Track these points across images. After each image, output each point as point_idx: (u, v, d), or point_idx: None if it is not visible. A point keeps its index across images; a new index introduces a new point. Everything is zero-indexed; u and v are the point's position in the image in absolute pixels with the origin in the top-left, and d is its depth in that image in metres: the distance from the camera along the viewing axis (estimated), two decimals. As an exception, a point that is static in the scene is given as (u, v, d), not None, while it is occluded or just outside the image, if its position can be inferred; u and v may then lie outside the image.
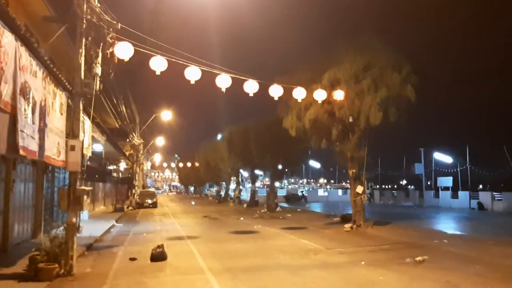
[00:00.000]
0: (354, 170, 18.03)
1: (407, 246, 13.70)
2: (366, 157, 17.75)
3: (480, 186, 52.93)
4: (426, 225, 20.64)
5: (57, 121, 9.57)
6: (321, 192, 60.20)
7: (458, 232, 18.27)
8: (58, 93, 9.63)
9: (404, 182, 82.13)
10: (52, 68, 8.81)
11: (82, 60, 10.35)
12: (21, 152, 6.81)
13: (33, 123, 7.60)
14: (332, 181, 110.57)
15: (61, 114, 10.00)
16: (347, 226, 17.77)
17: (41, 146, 8.13)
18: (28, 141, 7.25)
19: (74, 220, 10.17)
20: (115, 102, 25.71)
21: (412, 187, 64.19)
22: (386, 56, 16.70)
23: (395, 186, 76.61)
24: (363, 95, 16.69)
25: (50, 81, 8.81)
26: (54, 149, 9.40)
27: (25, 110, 6.98)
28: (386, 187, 69.91)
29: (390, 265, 10.49)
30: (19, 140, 6.72)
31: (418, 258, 10.91)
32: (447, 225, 21.40)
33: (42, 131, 8.18)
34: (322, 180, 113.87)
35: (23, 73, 6.91)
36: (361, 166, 18.12)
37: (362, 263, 10.82)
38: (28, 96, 7.19)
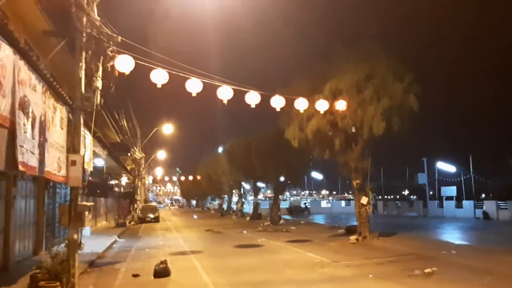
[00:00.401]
0: (358, 181, 17.83)
1: (415, 257, 13.45)
2: (370, 168, 17.57)
3: (483, 195, 52.58)
4: (432, 236, 20.36)
5: (57, 136, 9.42)
6: (324, 204, 59.80)
7: (466, 243, 18.01)
8: (59, 107, 9.50)
9: (406, 192, 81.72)
10: (52, 82, 8.68)
11: (82, 74, 10.23)
12: (21, 167, 6.64)
13: (33, 138, 7.45)
14: (335, 192, 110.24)
15: (62, 128, 9.86)
16: (353, 238, 17.51)
17: (41, 161, 7.97)
18: (27, 157, 7.08)
19: (75, 236, 9.96)
20: (116, 116, 25.63)
21: (415, 197, 63.79)
22: (387, 64, 16.61)
23: (397, 197, 76.14)
24: (366, 105, 16.57)
25: (50, 96, 8.69)
26: (55, 164, 9.23)
27: (24, 125, 6.82)
28: (389, 197, 69.42)
29: (399, 277, 10.26)
30: (18, 155, 6.55)
31: (427, 270, 10.67)
32: (454, 236, 21.12)
33: (42, 146, 8.02)
34: (324, 192, 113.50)
35: (22, 87, 6.78)
36: (365, 176, 17.94)
37: (370, 276, 10.59)
38: (27, 110, 7.05)
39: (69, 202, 10.03)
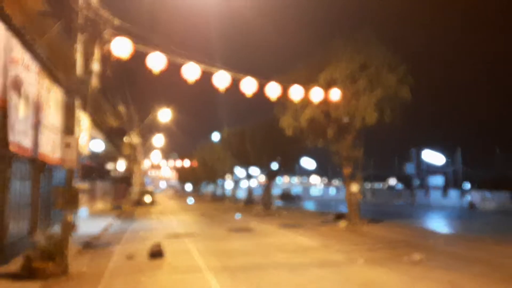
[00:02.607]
0: (349, 169, 18.04)
1: (404, 244, 13.70)
2: (361, 157, 17.76)
3: (469, 186, 53.11)
4: (420, 224, 20.73)
5: (52, 117, 9.50)
6: (315, 191, 60.30)
7: (453, 231, 18.33)
8: (54, 89, 9.55)
9: (393, 182, 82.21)
10: (46, 62, 8.73)
11: (78, 56, 10.27)
12: (13, 148, 6.75)
13: (26, 119, 7.54)
14: (325, 179, 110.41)
15: (57, 110, 9.93)
16: (343, 224, 17.82)
17: (35, 142, 8.07)
18: (20, 137, 7.19)
19: (69, 218, 10.09)
20: (113, 100, 25.60)
21: (400, 186, 64.29)
22: (382, 55, 16.70)
23: (385, 185, 76.58)
24: (359, 95, 16.69)
25: (44, 76, 8.74)
26: (50, 146, 9.34)
27: (17, 104, 6.91)
28: (377, 186, 69.86)
29: (389, 263, 10.44)
30: (11, 135, 6.65)
31: (416, 257, 10.87)
32: (441, 224, 21.49)
33: (36, 127, 8.12)
34: (315, 179, 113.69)
35: (15, 66, 6.85)
36: (356, 165, 18.15)
37: (361, 261, 10.78)
38: (20, 90, 7.13)
39: (64, 184, 10.15)
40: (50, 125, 9.34)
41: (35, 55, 8.12)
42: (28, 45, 7.60)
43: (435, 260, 10.89)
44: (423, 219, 24.27)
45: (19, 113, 7.08)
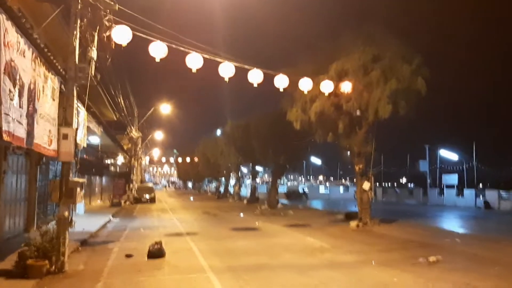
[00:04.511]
0: (360, 166, 17.36)
1: (418, 245, 13.06)
2: (373, 152, 17.11)
3: (482, 185, 52.30)
4: (434, 224, 20.06)
5: (48, 107, 8.87)
6: (322, 189, 59.50)
7: (469, 231, 17.69)
8: (50, 77, 8.92)
9: (404, 180, 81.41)
10: (43, 48, 8.09)
11: (77, 43, 9.65)
12: (6, 137, 6.11)
13: (20, 107, 6.90)
14: (332, 178, 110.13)
15: (53, 100, 9.30)
16: (353, 223, 17.12)
17: (30, 132, 7.43)
18: (14, 126, 6.55)
19: (66, 213, 9.53)
20: (113, 93, 25.00)
21: (412, 184, 63.47)
22: (396, 46, 16.02)
23: (395, 184, 75.76)
24: (372, 87, 16.00)
25: (40, 63, 8.11)
26: (45, 137, 8.71)
27: (10, 91, 6.27)
28: (387, 184, 69.16)
29: (402, 265, 9.87)
30: (3, 124, 6.02)
31: (431, 258, 10.29)
32: (456, 224, 20.85)
33: (31, 116, 7.48)
34: (321, 177, 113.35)
35: (9, 50, 6.21)
36: (368, 161, 17.47)
37: (373, 263, 10.21)
38: (14, 76, 6.49)
39: (60, 177, 9.57)
40: (46, 115, 8.73)
41: (31, 41, 7.46)
42: (23, 29, 6.94)
43: (451, 261, 10.32)
44: (437, 218, 23.57)
45: (14, 100, 6.43)
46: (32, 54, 7.49)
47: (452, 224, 20.79)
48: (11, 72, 6.25)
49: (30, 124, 7.41)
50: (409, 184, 70.97)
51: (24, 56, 6.94)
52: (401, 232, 15.84)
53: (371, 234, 15.58)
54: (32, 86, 7.49)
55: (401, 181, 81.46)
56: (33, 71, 7.55)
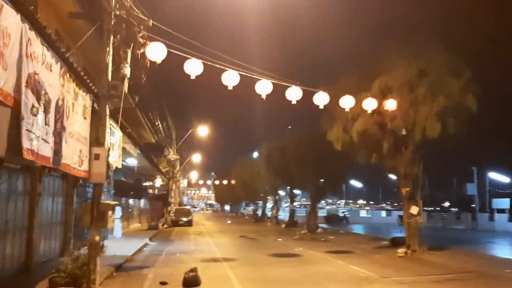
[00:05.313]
0: (407, 189, 16.17)
1: (475, 276, 11.81)
2: (421, 174, 15.96)
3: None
4: (489, 251, 18.46)
5: (79, 125, 8.51)
6: (363, 213, 57.46)
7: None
8: (81, 94, 8.58)
9: (447, 204, 77.76)
10: (72, 63, 7.77)
11: (110, 59, 9.40)
12: (27, 155, 5.68)
13: (47, 124, 6.50)
14: (372, 202, 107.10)
15: (85, 118, 8.95)
16: (401, 251, 15.86)
17: (57, 151, 7.02)
18: (38, 144, 6.13)
19: (97, 238, 9.09)
20: (151, 115, 25.02)
21: (456, 209, 60.22)
22: (443, 60, 15.00)
23: (437, 208, 72.12)
24: (418, 104, 15.00)
25: (70, 79, 7.76)
26: (75, 157, 8.32)
27: (33, 106, 5.87)
28: (431, 208, 66.02)
29: (463, 299, 8.76)
30: (24, 141, 5.59)
31: (496, 292, 9.11)
32: (513, 251, 19.12)
33: (58, 134, 7.08)
34: (361, 201, 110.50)
35: (32, 62, 5.84)
36: (415, 184, 16.30)
37: (429, 296, 9.12)
38: (39, 90, 6.11)
39: (92, 200, 9.17)
40: (77, 134, 8.35)
41: (59, 54, 7.13)
42: (49, 41, 6.59)
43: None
44: (490, 245, 21.83)
45: (38, 116, 6.02)
46: (61, 69, 7.15)
47: (509, 252, 19.06)
48: (34, 85, 5.87)
49: (57, 143, 7.00)
50: (451, 208, 67.52)
51: (50, 70, 6.59)
52: (454, 260, 14.50)
53: (421, 263, 14.33)
54: (60, 103, 7.12)
55: (443, 206, 77.75)
56: (62, 86, 7.19)
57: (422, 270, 12.74)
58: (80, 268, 9.14)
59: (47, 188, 12.97)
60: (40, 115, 6.21)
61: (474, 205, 40.92)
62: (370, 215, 54.64)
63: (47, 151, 6.57)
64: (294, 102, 12.36)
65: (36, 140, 6.03)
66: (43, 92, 6.28)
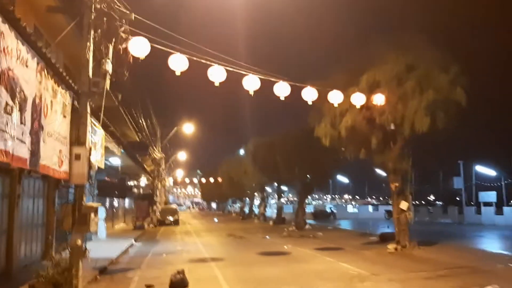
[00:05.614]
0: (397, 184, 16.05)
1: (468, 271, 11.69)
2: (410, 169, 15.85)
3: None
4: (479, 245, 18.47)
5: (58, 124, 8.10)
6: (350, 209, 57.65)
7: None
8: (60, 91, 8.17)
9: (432, 198, 78.51)
10: (50, 58, 7.34)
11: (90, 55, 8.97)
12: (1, 157, 5.29)
13: (22, 123, 6.10)
14: (358, 197, 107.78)
15: (64, 117, 8.54)
16: (391, 246, 15.75)
17: (34, 152, 6.62)
18: (13, 145, 5.74)
19: (79, 242, 8.69)
20: (135, 113, 24.49)
21: (440, 203, 60.73)
22: (431, 55, 14.86)
23: (423, 202, 72.76)
24: (407, 99, 14.84)
25: (48, 76, 7.35)
26: (55, 157, 7.91)
27: (7, 104, 5.47)
28: (417, 203, 66.50)
29: (456, 297, 8.60)
30: (-2, 141, 5.19)
31: (488, 288, 8.98)
32: (503, 246, 19.17)
33: (36, 134, 6.68)
34: (347, 196, 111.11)
35: (6, 57, 5.44)
36: (404, 179, 16.19)
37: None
38: (13, 88, 5.71)
39: (73, 202, 8.77)
40: (56, 133, 7.95)
41: (36, 49, 6.70)
42: (24, 35, 6.17)
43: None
44: (479, 239, 21.91)
45: (12, 115, 5.62)
46: (38, 64, 6.73)
47: (499, 245, 19.14)
48: (8, 82, 5.46)
49: (35, 143, 6.60)
50: (437, 202, 68.09)
51: (26, 66, 6.18)
52: (445, 256, 14.43)
53: (412, 259, 14.21)
54: (37, 101, 6.72)
55: (429, 199, 78.45)
56: (39, 83, 6.78)
57: (413, 266, 12.61)
58: (62, 274, 8.77)
59: (27, 190, 12.50)
60: (15, 114, 5.81)
61: (459, 199, 41.25)
62: (357, 210, 54.83)
63: (23, 152, 6.18)
64: (282, 98, 12.15)
65: (11, 141, 5.64)
66: (18, 89, 5.88)
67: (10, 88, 5.56)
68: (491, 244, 19.47)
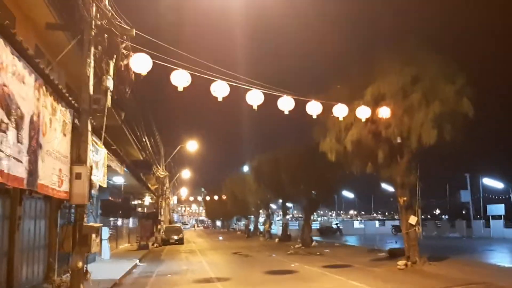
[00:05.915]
0: (405, 198, 15.70)
1: (483, 287, 11.27)
2: (418, 183, 15.52)
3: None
4: (491, 260, 17.96)
5: (58, 143, 7.89)
6: (356, 224, 56.87)
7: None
8: (60, 109, 7.99)
9: (437, 211, 77.60)
10: (48, 75, 7.18)
11: (91, 72, 8.83)
12: (-4, 177, 5.05)
13: (19, 141, 5.90)
14: (363, 212, 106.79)
15: (64, 135, 8.34)
16: (401, 263, 15.31)
17: (32, 171, 6.40)
18: (9, 164, 5.52)
19: (80, 264, 8.44)
20: (138, 132, 24.34)
21: (446, 216, 59.85)
22: (436, 66, 14.68)
23: (429, 216, 71.85)
24: (413, 111, 14.61)
25: (47, 93, 7.17)
26: (54, 177, 7.69)
27: (2, 121, 5.28)
28: (424, 216, 65.55)
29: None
30: (-9, 160, 4.97)
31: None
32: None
33: (34, 153, 6.48)
34: (352, 212, 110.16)
35: (1, 73, 5.25)
36: (412, 193, 15.85)
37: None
38: (9, 104, 5.52)
39: (73, 223, 8.53)
40: (55, 152, 7.74)
41: (33, 65, 6.54)
42: (20, 51, 6.00)
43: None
44: (491, 254, 21.36)
45: (8, 133, 5.43)
46: (35, 81, 6.56)
47: (511, 260, 18.60)
48: (3, 99, 5.26)
49: (32, 162, 6.39)
50: (443, 216, 67.18)
51: (23, 83, 6.00)
52: (457, 271, 14.00)
53: (423, 275, 13.79)
54: (35, 118, 6.53)
55: (435, 213, 77.53)
56: (37, 100, 6.60)
57: (426, 283, 12.23)
58: (63, 298, 8.48)
59: (28, 211, 12.21)
60: (11, 132, 5.61)
61: (464, 212, 40.55)
62: (364, 226, 54.10)
63: (19, 171, 5.96)
64: (286, 112, 11.98)
65: (6, 160, 5.43)
66: (14, 107, 5.69)
67: (5, 105, 5.38)
68: (503, 258, 18.95)
